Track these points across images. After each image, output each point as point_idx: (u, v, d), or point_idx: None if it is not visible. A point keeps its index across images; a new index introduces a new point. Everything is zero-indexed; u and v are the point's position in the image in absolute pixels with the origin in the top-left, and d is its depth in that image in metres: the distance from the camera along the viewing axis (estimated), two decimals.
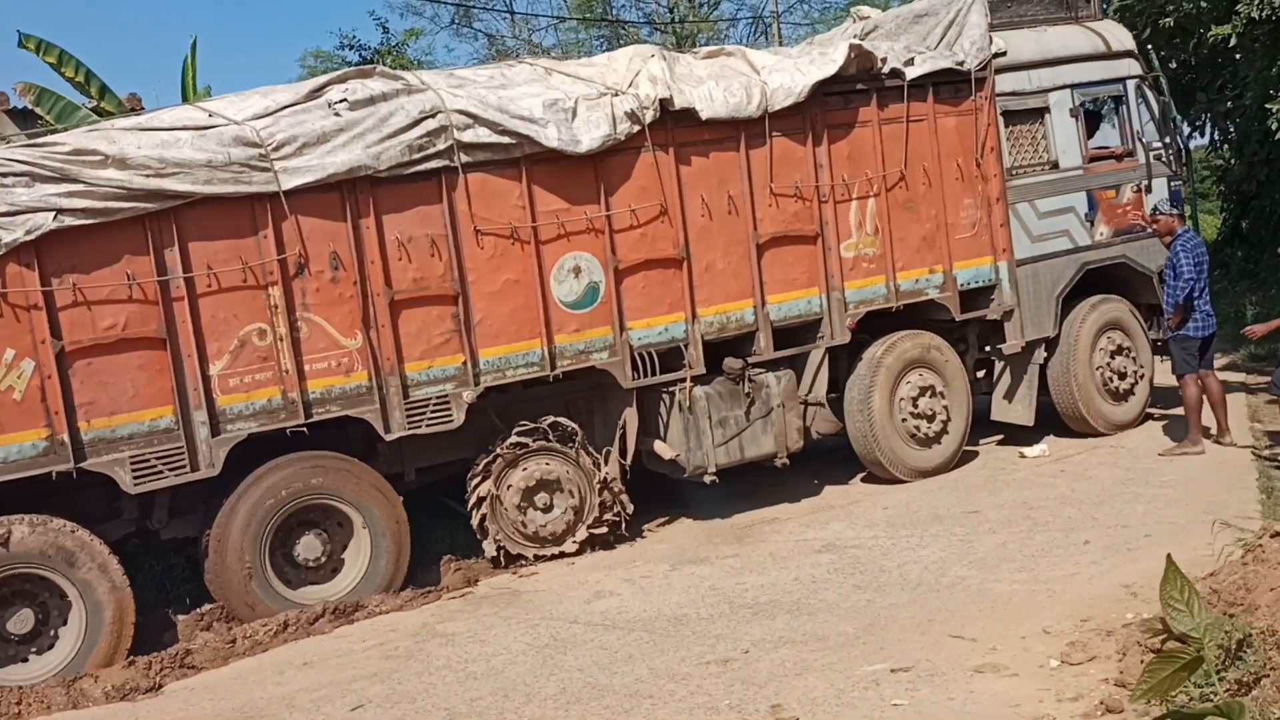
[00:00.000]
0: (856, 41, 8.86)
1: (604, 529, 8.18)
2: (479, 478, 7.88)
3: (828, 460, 9.80)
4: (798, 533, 8.17)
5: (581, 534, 8.09)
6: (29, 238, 6.52)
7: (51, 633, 6.83)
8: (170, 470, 6.95)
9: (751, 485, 9.16)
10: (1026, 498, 8.30)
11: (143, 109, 12.25)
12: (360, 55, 20.41)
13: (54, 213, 6.55)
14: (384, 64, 18.00)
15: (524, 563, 7.99)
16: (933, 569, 6.95)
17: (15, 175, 6.50)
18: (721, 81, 8.33)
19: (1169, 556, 4.45)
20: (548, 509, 8.00)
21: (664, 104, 8.07)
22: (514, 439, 7.93)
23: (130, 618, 6.88)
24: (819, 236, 8.76)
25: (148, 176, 6.71)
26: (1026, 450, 9.56)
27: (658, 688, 5.59)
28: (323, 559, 7.48)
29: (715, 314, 8.47)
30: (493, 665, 6.19)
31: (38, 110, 11.36)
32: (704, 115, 8.18)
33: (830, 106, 8.73)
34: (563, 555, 8.04)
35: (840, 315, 8.86)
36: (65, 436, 6.68)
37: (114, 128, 7.07)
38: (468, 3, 31.13)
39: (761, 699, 5.28)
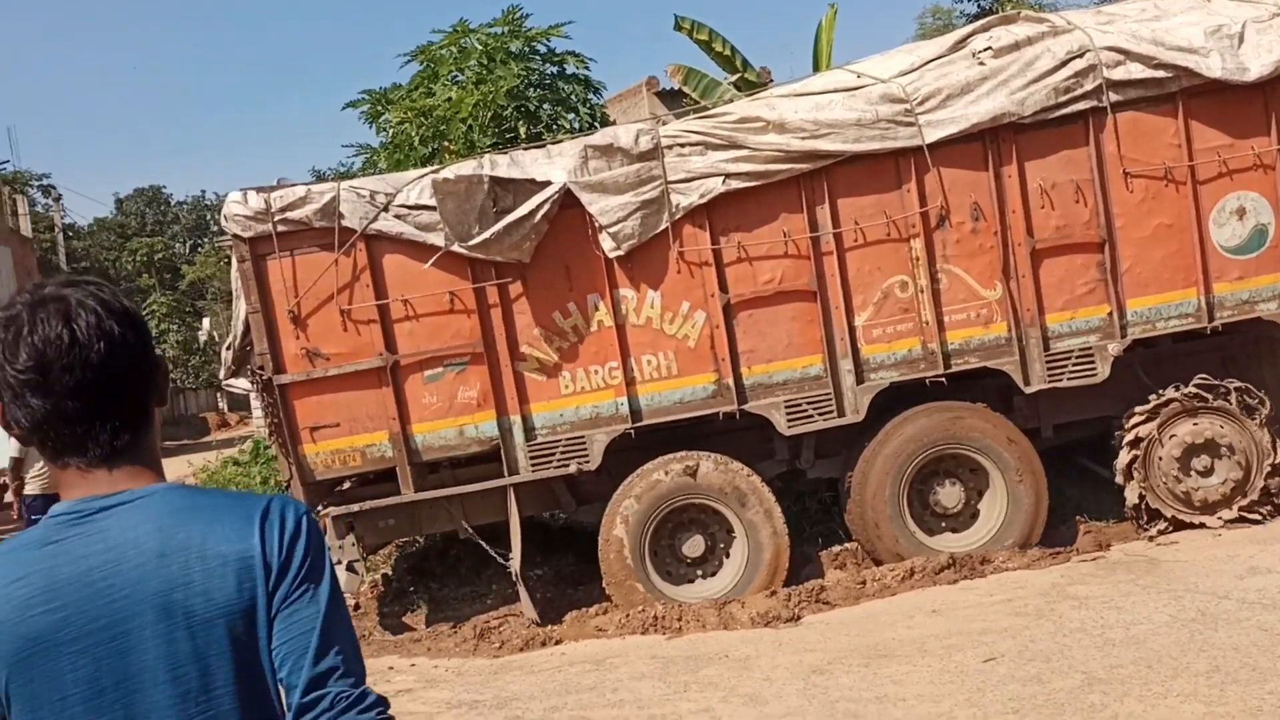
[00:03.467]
0: None
1: (1261, 512, 7.38)
2: (1141, 419, 7.43)
3: None
4: None
5: (1235, 509, 7.36)
6: (702, 201, 7.21)
7: (717, 562, 7.56)
8: (819, 415, 7.38)
9: None
10: None
11: (772, 81, 13.00)
12: (979, 5, 19.83)
13: (722, 177, 7.18)
14: (1008, 9, 17.45)
15: (1160, 523, 7.44)
16: None
17: (691, 145, 7.21)
18: None
19: None
20: (1207, 473, 7.36)
21: None
22: (1190, 389, 7.39)
23: (785, 562, 7.39)
24: None
25: (804, 139, 7.12)
26: None
27: None
28: (960, 507, 7.53)
29: None
30: (1132, 634, 5.84)
31: (685, 89, 12.48)
32: None
33: None
34: (1204, 526, 7.39)
35: None
36: (730, 381, 7.34)
37: (772, 95, 7.59)
38: None
39: None
